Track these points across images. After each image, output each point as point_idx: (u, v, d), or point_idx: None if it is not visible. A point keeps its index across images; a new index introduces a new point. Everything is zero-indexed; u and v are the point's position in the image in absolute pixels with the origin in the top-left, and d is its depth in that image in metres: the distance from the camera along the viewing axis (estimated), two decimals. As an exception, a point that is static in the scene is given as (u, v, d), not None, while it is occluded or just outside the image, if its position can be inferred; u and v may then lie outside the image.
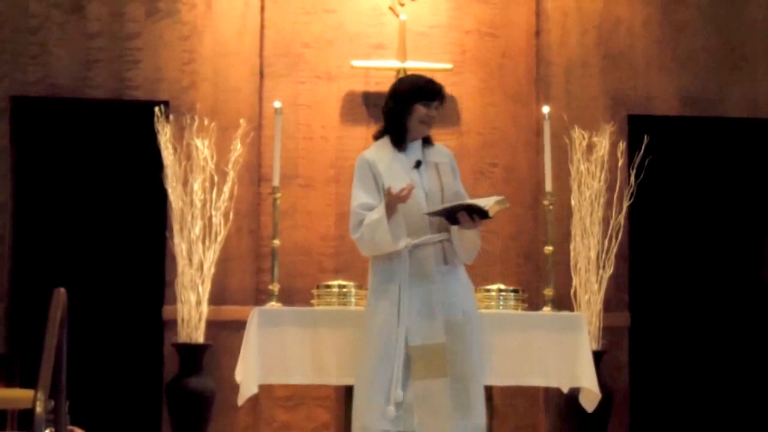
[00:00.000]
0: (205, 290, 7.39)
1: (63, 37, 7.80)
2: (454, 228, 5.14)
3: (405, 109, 5.15)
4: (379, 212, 4.99)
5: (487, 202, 5.07)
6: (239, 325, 6.22)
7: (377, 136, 5.31)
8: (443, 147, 5.39)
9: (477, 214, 5.05)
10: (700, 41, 8.17)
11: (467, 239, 5.17)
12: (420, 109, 5.15)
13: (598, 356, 7.05)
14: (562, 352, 6.05)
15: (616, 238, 7.60)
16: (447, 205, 5.11)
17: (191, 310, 7.35)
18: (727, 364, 8.17)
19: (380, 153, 5.18)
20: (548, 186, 6.55)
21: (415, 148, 5.22)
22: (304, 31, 8.05)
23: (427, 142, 5.28)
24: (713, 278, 8.24)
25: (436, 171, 5.20)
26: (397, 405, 5.00)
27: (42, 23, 7.79)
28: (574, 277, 7.56)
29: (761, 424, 8.08)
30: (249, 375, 5.80)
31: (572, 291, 7.55)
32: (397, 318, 5.05)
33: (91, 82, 7.81)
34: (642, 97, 8.10)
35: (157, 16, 7.89)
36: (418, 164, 5.17)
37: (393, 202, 4.95)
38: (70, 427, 5.17)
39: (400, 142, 5.19)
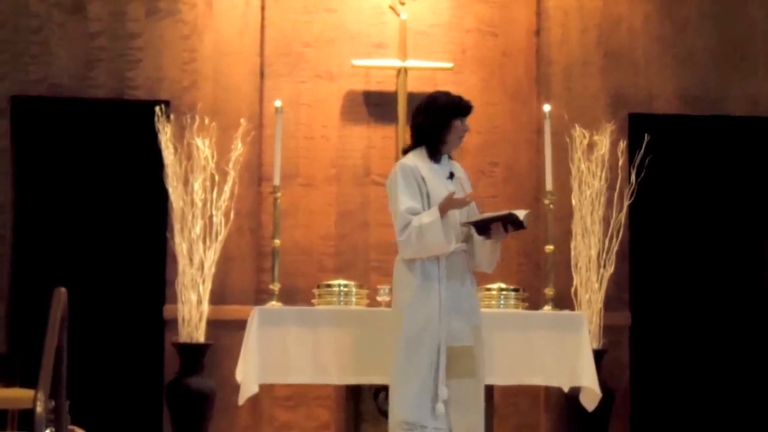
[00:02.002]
0: (205, 290, 7.39)
1: (64, 37, 7.80)
2: (478, 238, 5.36)
3: (444, 124, 5.40)
4: (432, 215, 5.19)
5: (519, 214, 5.27)
6: (240, 325, 6.22)
7: (407, 150, 5.53)
8: (458, 164, 5.61)
9: (511, 224, 5.26)
10: (700, 40, 8.17)
11: (492, 250, 5.41)
12: (458, 125, 5.42)
13: (598, 355, 7.05)
14: (563, 351, 6.06)
15: (617, 237, 7.60)
16: (486, 215, 5.35)
17: (192, 309, 7.35)
18: (727, 363, 8.17)
19: (420, 161, 5.41)
20: (549, 185, 6.55)
21: (446, 161, 5.48)
22: (304, 31, 8.05)
23: (450, 158, 5.54)
24: (714, 277, 8.24)
25: (461, 185, 5.44)
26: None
27: (43, 23, 7.80)
28: (574, 276, 7.56)
29: (762, 423, 8.08)
30: (249, 374, 5.81)
31: (573, 290, 7.55)
32: (438, 317, 5.22)
33: (92, 82, 7.81)
34: (643, 95, 8.10)
35: (158, 15, 7.89)
36: (451, 176, 5.43)
37: (453, 206, 5.22)
38: (70, 427, 5.18)
39: (436, 154, 5.43)
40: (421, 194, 5.30)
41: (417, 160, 5.40)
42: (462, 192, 5.37)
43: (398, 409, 5.22)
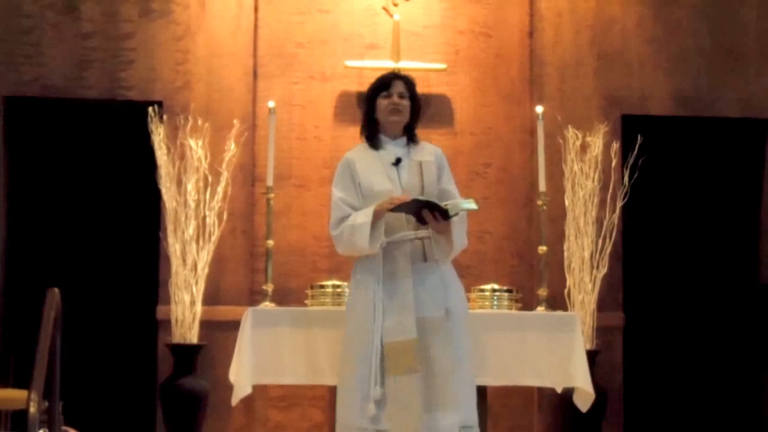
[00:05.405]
0: (198, 290, 7.38)
1: (57, 38, 7.79)
2: (434, 226, 5.09)
3: (371, 108, 5.34)
4: (366, 217, 5.07)
5: (454, 202, 5.06)
6: (233, 326, 6.22)
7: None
8: (432, 146, 5.44)
9: (438, 212, 5.02)
10: (693, 41, 8.18)
11: (440, 239, 5.15)
12: (381, 102, 5.30)
13: (591, 356, 7.04)
14: (556, 352, 6.05)
15: (610, 238, 7.60)
16: (404, 203, 5.05)
17: (185, 310, 7.34)
18: (720, 364, 8.18)
19: (360, 152, 5.35)
20: (542, 186, 6.55)
21: (398, 146, 5.32)
22: (297, 31, 8.05)
23: (411, 140, 5.34)
24: (707, 278, 8.25)
25: (418, 169, 5.25)
26: (376, 402, 5.02)
27: (36, 23, 7.79)
28: (567, 277, 7.57)
29: (753, 423, 8.09)
30: (243, 375, 5.80)
31: (566, 291, 7.55)
32: (373, 315, 5.09)
33: (85, 83, 7.80)
34: (636, 96, 8.11)
35: (151, 16, 7.88)
36: (397, 161, 5.26)
37: (383, 208, 5.05)
38: (64, 428, 5.17)
39: (373, 140, 5.34)
40: (354, 185, 5.22)
41: (360, 149, 5.36)
42: (418, 175, 5.19)
43: (338, 411, 5.13)
